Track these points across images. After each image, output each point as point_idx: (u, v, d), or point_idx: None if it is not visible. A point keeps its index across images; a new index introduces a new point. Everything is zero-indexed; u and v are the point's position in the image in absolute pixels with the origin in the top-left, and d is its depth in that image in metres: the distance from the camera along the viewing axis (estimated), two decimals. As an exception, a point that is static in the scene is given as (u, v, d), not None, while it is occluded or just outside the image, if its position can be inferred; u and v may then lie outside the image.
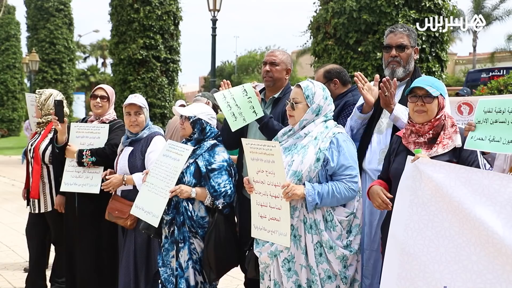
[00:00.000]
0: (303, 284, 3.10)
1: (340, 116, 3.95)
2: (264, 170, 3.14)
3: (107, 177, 4.04)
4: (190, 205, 3.66)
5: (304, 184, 3.07)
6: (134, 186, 3.96)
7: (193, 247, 3.68)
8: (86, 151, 4.22)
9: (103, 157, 4.21)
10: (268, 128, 3.68)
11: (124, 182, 3.98)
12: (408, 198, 2.75)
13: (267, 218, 3.18)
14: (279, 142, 3.23)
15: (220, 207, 3.67)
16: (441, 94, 2.90)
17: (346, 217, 3.13)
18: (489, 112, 2.65)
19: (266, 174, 3.13)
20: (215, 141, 3.78)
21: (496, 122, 2.62)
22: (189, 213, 3.65)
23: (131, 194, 3.97)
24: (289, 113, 3.27)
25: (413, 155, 2.81)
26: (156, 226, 3.64)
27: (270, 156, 3.07)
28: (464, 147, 2.73)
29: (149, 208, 3.69)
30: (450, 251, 2.56)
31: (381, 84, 3.35)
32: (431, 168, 2.69)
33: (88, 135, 4.37)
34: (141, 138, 4.04)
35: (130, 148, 4.05)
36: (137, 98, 4.07)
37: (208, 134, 3.77)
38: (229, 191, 3.67)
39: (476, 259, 2.47)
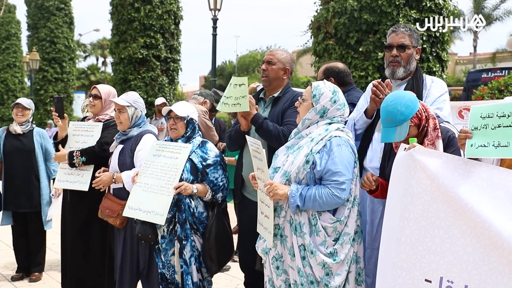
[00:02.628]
0: (292, 284, 3.09)
1: None
2: (259, 167, 3.19)
3: (97, 174, 4.06)
4: (192, 202, 3.68)
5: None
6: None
7: (193, 244, 3.71)
8: (76, 152, 4.27)
9: (92, 156, 4.26)
10: (263, 129, 3.67)
11: (114, 180, 3.98)
12: (402, 187, 2.72)
13: (263, 214, 3.21)
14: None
15: (220, 201, 3.78)
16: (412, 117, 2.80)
17: (331, 223, 3.00)
18: (488, 117, 2.51)
19: (261, 172, 3.15)
20: (201, 138, 3.87)
21: (499, 126, 2.46)
22: (192, 210, 3.68)
23: (122, 193, 3.98)
24: (298, 110, 3.27)
25: None
26: (163, 224, 3.64)
27: (260, 154, 3.10)
28: (466, 157, 2.56)
29: (149, 207, 3.67)
30: (445, 241, 2.55)
31: (372, 88, 3.35)
32: (428, 157, 2.65)
33: (83, 133, 4.46)
34: (131, 136, 4.04)
35: (121, 146, 4.06)
36: (124, 96, 4.08)
37: (196, 132, 3.85)
38: (226, 185, 3.80)
39: (472, 250, 2.46)
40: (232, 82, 3.79)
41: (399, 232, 2.71)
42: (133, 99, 4.08)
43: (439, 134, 2.83)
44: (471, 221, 2.46)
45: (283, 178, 3.07)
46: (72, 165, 4.30)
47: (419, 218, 2.65)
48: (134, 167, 3.95)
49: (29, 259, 5.73)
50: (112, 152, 4.13)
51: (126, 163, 3.97)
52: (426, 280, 2.60)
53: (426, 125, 2.84)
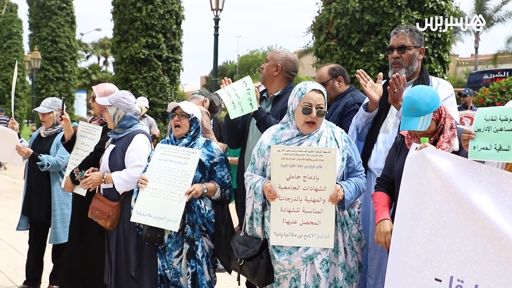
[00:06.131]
0: (332, 280, 3.14)
1: (343, 119, 3.91)
2: (302, 175, 3.12)
3: (86, 174, 4.04)
4: (202, 202, 3.69)
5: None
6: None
7: (203, 245, 3.73)
8: (75, 170, 4.27)
9: (90, 166, 4.18)
10: (265, 124, 3.68)
11: (103, 180, 3.94)
12: (414, 186, 2.74)
13: (297, 223, 3.15)
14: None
15: (228, 198, 3.86)
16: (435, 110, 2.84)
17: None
18: (492, 120, 2.55)
19: (304, 180, 3.12)
20: (204, 138, 3.91)
21: (501, 130, 2.51)
22: (201, 211, 3.70)
23: (112, 193, 3.94)
24: (311, 120, 3.18)
25: None
26: (177, 230, 3.64)
27: (318, 162, 3.08)
28: (469, 158, 2.59)
29: (159, 213, 3.65)
30: (456, 241, 2.56)
31: (390, 80, 3.37)
32: (439, 158, 2.68)
33: (87, 135, 4.52)
34: (122, 136, 4.00)
35: (113, 146, 4.03)
36: (111, 95, 4.09)
37: (199, 131, 3.88)
38: (231, 183, 3.86)
39: (482, 250, 2.48)
40: (248, 85, 3.76)
41: (410, 231, 2.73)
42: (115, 99, 3.99)
43: (456, 133, 2.86)
44: (480, 221, 2.48)
45: None
46: (76, 182, 4.26)
47: (430, 218, 2.66)
48: (125, 167, 3.90)
49: (40, 271, 5.35)
50: (104, 151, 4.09)
51: (117, 164, 3.93)
52: (436, 279, 2.61)
53: (443, 123, 2.88)
